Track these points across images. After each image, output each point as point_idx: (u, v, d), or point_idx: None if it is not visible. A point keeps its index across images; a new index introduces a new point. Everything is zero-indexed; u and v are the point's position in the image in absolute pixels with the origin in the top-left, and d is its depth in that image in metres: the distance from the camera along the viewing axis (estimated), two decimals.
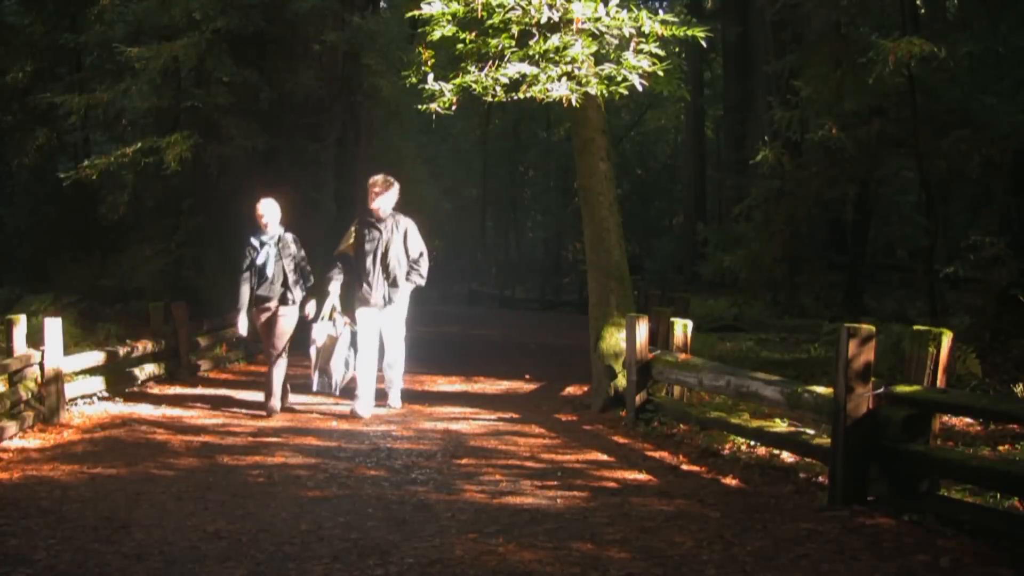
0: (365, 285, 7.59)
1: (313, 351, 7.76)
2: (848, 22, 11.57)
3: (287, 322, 7.70)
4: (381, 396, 7.95)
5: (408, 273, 7.63)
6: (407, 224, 7.69)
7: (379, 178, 7.68)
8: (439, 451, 6.23)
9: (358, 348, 7.68)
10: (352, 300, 7.80)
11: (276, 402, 7.68)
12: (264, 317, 7.71)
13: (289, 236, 7.80)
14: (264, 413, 7.61)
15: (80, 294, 12.99)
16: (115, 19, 13.10)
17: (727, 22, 24.34)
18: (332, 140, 15.44)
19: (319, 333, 7.73)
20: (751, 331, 13.84)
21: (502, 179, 33.52)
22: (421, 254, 7.70)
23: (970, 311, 9.23)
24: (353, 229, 7.79)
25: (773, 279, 15.70)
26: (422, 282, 7.72)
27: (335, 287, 7.74)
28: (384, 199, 7.60)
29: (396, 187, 7.67)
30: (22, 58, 14.42)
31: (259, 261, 7.59)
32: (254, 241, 7.66)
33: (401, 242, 7.62)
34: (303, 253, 7.84)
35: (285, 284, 7.64)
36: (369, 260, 7.57)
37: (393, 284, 7.61)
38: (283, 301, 7.65)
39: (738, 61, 25.43)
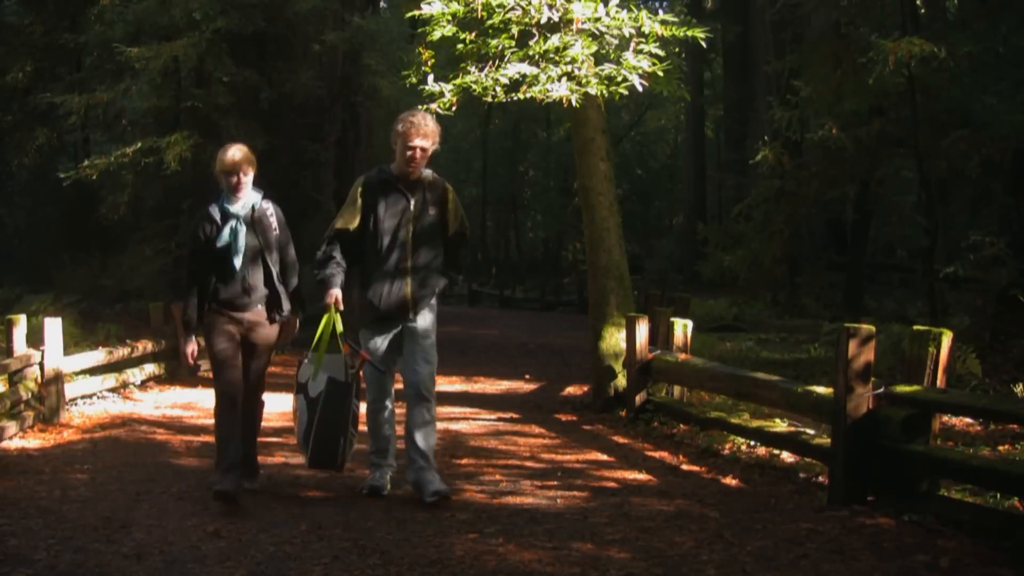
0: (378, 286, 4.74)
1: (302, 403, 4.74)
2: (848, 22, 11.58)
3: (270, 343, 4.90)
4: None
5: (443, 266, 4.89)
6: (445, 188, 4.89)
7: (419, 114, 4.79)
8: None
9: (368, 388, 4.90)
10: (354, 313, 4.91)
11: (234, 479, 4.57)
12: (225, 335, 4.73)
13: (268, 206, 4.82)
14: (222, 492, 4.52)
15: (80, 294, 13.05)
16: (115, 19, 13.16)
17: (727, 22, 24.40)
18: (332, 140, 15.50)
19: (308, 375, 4.74)
20: (751, 331, 13.87)
21: (502, 179, 33.58)
22: (464, 227, 4.96)
23: (970, 311, 9.24)
24: (359, 192, 4.82)
25: (773, 279, 15.70)
26: (459, 279, 5.12)
27: (335, 292, 4.73)
28: (427, 144, 4.70)
29: (439, 131, 4.82)
30: (22, 58, 14.50)
31: (220, 244, 4.70)
32: (213, 211, 4.75)
33: (438, 217, 4.83)
34: (288, 235, 4.93)
35: (269, 283, 4.79)
36: (387, 245, 4.74)
37: (424, 284, 4.80)
38: (270, 311, 4.81)
39: (738, 61, 25.50)
